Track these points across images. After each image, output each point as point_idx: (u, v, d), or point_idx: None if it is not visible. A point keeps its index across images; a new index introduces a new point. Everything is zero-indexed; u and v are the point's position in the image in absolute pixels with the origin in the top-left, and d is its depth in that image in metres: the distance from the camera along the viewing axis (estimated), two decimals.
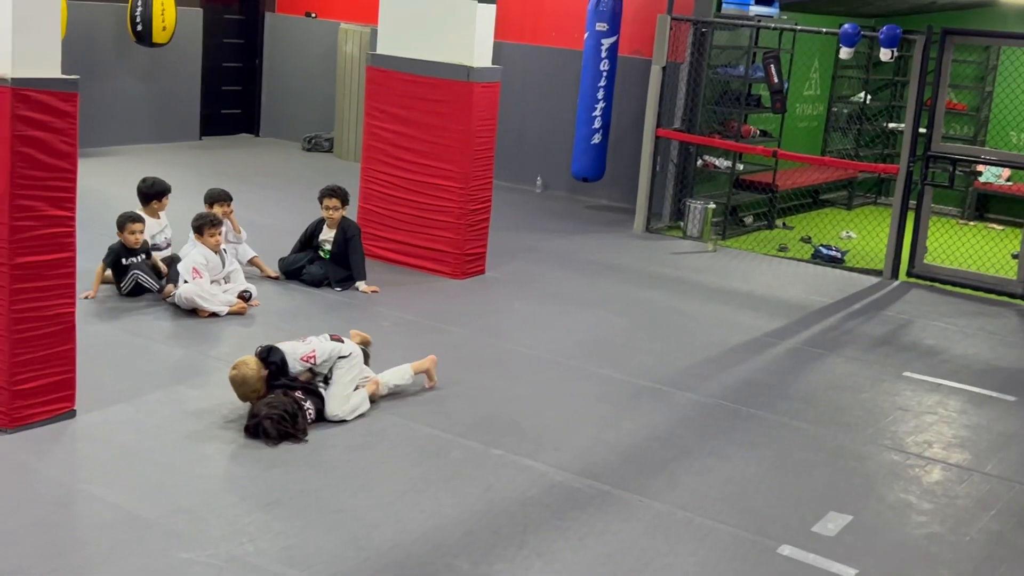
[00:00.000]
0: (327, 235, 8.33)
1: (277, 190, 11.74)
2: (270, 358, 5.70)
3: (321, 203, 8.31)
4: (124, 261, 7.51)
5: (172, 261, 7.72)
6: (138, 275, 7.48)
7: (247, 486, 5.03)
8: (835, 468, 5.84)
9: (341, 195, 8.28)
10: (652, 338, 7.86)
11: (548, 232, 10.98)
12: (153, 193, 8.09)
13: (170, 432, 5.52)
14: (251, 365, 5.67)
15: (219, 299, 7.43)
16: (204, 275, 7.42)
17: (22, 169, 5.07)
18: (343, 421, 5.78)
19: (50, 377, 5.41)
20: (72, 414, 5.54)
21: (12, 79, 4.99)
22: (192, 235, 7.66)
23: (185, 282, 7.39)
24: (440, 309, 8.03)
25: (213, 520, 4.66)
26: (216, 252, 7.60)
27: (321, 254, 8.35)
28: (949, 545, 5.09)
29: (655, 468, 5.61)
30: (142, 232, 7.57)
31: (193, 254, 7.51)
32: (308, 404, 5.68)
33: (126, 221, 7.55)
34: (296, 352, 5.77)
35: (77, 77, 5.25)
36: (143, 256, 7.62)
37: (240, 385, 5.66)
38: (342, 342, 5.97)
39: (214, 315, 7.35)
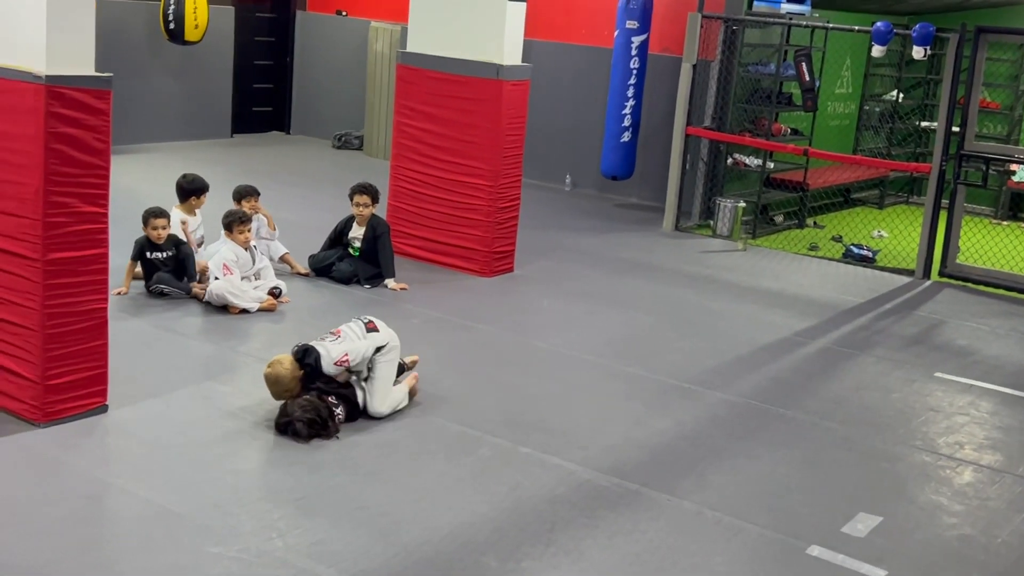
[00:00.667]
0: (356, 232, 8.36)
1: (307, 187, 11.78)
2: (305, 359, 5.67)
3: (351, 200, 8.34)
4: (148, 255, 7.55)
5: (185, 258, 7.69)
6: (161, 288, 7.49)
7: (277, 482, 5.05)
8: (865, 469, 5.81)
9: (371, 192, 8.30)
10: (681, 337, 7.84)
11: (577, 230, 10.97)
12: (192, 189, 8.14)
13: (201, 427, 5.56)
14: (286, 365, 5.66)
15: (249, 295, 7.47)
16: (234, 271, 7.47)
17: (56, 166, 5.12)
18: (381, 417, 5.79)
19: (82, 372, 5.45)
20: (104, 409, 5.59)
21: (47, 76, 5.04)
22: (223, 232, 7.71)
23: (216, 279, 7.44)
24: (469, 307, 8.04)
25: (243, 515, 4.69)
26: (246, 248, 7.64)
27: (351, 251, 8.38)
28: (980, 547, 5.05)
29: (684, 467, 5.59)
30: (165, 228, 7.58)
31: (224, 251, 7.56)
32: (340, 411, 5.67)
33: (150, 216, 7.59)
34: (331, 355, 5.70)
35: (111, 75, 5.30)
36: (168, 253, 7.61)
37: (274, 384, 5.67)
38: (377, 331, 5.91)
39: (244, 311, 7.39)
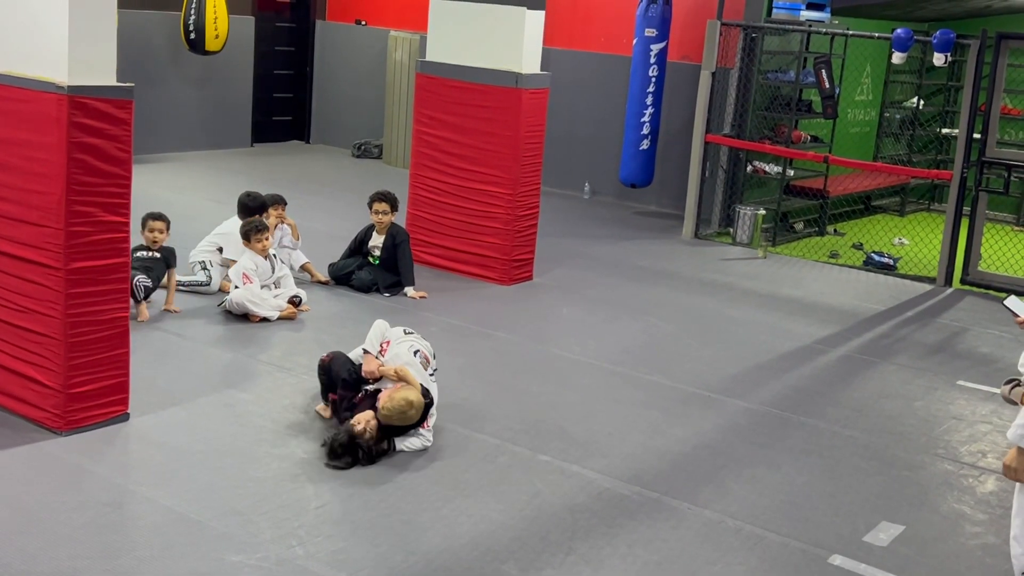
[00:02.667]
0: (376, 241, 8.38)
1: (327, 196, 11.82)
2: (427, 397, 5.59)
3: (371, 208, 8.36)
4: (136, 253, 7.37)
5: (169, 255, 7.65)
6: (137, 279, 7.25)
7: (297, 489, 5.06)
8: (888, 477, 5.77)
9: (391, 200, 8.32)
10: (701, 345, 7.81)
11: (596, 238, 10.96)
12: (256, 207, 8.16)
13: (221, 435, 5.58)
14: (416, 394, 5.49)
15: (269, 303, 7.50)
16: (254, 280, 7.50)
17: (78, 175, 5.15)
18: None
19: (104, 381, 5.48)
20: (125, 417, 5.62)
21: (69, 87, 5.07)
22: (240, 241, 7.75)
23: (236, 287, 7.48)
24: (488, 315, 8.04)
25: (263, 523, 4.70)
26: (265, 257, 7.67)
27: (370, 260, 8.40)
28: (1004, 556, 4.99)
29: (704, 476, 5.57)
30: (163, 233, 7.56)
31: (243, 260, 7.59)
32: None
33: (148, 219, 7.60)
34: (433, 390, 5.75)
35: (132, 85, 5.33)
36: (155, 256, 7.56)
37: (405, 410, 5.40)
38: (411, 334, 6.01)
39: (265, 320, 7.42)
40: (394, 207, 8.36)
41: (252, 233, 7.65)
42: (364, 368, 5.75)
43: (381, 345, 5.85)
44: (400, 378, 5.58)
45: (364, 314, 7.80)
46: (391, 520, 4.83)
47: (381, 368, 5.68)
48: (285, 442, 5.55)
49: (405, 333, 5.99)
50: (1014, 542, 4.00)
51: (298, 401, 6.11)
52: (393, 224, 8.40)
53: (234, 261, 7.79)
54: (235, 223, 8.03)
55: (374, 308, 7.97)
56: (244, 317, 7.43)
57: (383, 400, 5.44)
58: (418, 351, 5.85)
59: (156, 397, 5.93)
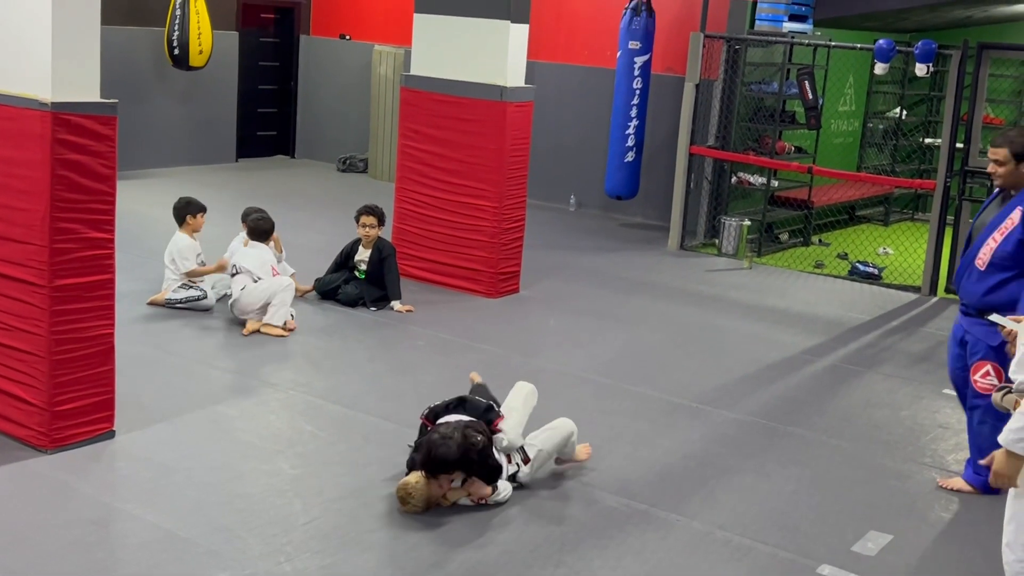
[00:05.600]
0: (362, 255, 8.37)
1: (312, 211, 11.81)
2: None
3: (357, 221, 8.35)
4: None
5: None
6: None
7: (285, 505, 5.04)
8: (875, 486, 5.78)
9: (377, 214, 8.32)
10: (688, 355, 7.82)
11: (582, 250, 10.98)
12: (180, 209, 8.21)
13: (208, 452, 5.55)
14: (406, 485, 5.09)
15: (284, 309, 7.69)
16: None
17: (62, 192, 5.13)
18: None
19: (90, 398, 5.45)
20: (111, 434, 5.59)
21: (52, 103, 5.06)
22: (245, 235, 7.91)
23: (259, 279, 7.60)
24: (474, 328, 8.04)
25: (251, 539, 4.68)
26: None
27: (357, 274, 8.39)
28: (992, 564, 5.00)
29: (692, 487, 5.57)
30: None
31: (264, 255, 7.79)
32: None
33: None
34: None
35: (116, 101, 5.32)
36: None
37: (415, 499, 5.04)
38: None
39: (255, 332, 7.47)
40: (381, 221, 8.36)
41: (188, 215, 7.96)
42: (477, 493, 5.15)
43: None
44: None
45: (350, 328, 7.79)
46: (380, 535, 4.82)
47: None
48: (272, 458, 5.53)
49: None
50: (1006, 549, 4.01)
51: (285, 416, 6.09)
52: (380, 238, 8.40)
53: (200, 271, 7.98)
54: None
55: (360, 322, 7.95)
56: (231, 331, 7.44)
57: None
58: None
59: (142, 414, 5.90)
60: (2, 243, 5.32)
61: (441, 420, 5.24)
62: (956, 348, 5.77)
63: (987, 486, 5.39)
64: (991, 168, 5.52)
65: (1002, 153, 5.42)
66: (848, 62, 13.01)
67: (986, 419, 5.53)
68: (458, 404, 5.36)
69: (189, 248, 7.91)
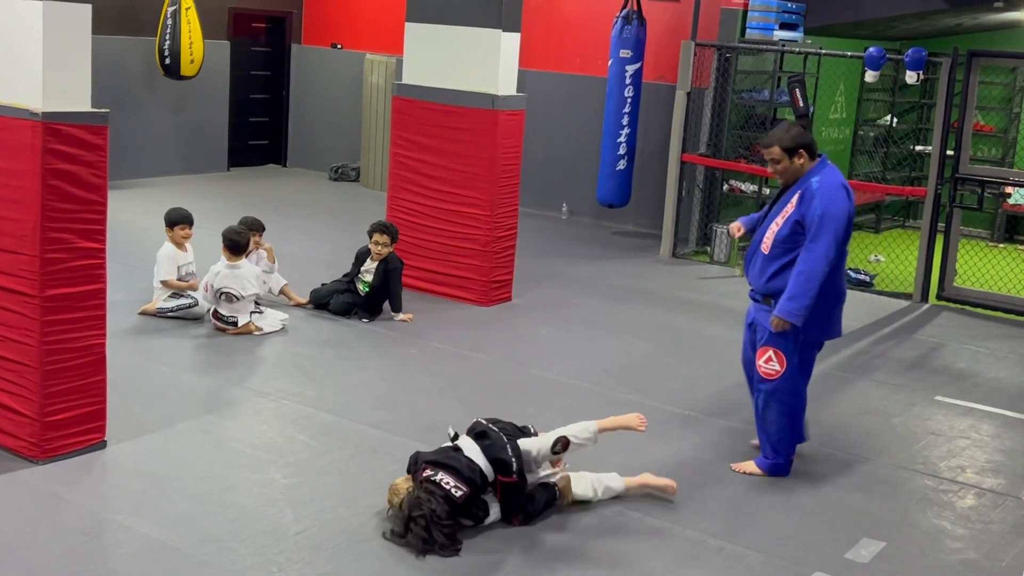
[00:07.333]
0: (369, 266, 8.32)
1: (304, 219, 11.80)
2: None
3: (370, 237, 8.30)
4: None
5: None
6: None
7: (277, 515, 5.03)
8: (868, 493, 5.78)
9: (391, 233, 8.26)
10: (680, 364, 7.83)
11: (574, 258, 10.98)
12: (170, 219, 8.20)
13: (200, 462, 5.54)
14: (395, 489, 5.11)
15: (271, 317, 7.83)
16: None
17: (53, 202, 5.12)
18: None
19: (81, 408, 5.44)
20: (102, 445, 5.57)
21: (43, 113, 5.05)
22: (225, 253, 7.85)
23: (242, 296, 7.63)
24: (466, 336, 8.03)
25: (243, 549, 4.67)
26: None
27: (360, 285, 8.34)
28: (984, 571, 5.02)
29: (685, 495, 5.57)
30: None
31: (247, 271, 7.78)
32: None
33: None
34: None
35: (107, 111, 5.31)
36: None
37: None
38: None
39: (241, 334, 7.56)
40: (393, 239, 8.30)
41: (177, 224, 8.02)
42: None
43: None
44: None
45: (342, 338, 7.78)
46: (372, 544, 4.80)
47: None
48: (264, 468, 5.52)
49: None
50: None
51: (276, 426, 6.08)
52: (391, 253, 8.36)
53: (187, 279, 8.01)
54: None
55: (354, 331, 7.94)
56: (221, 341, 7.42)
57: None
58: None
59: (133, 424, 5.89)
60: None
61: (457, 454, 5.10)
62: (747, 333, 6.03)
63: (774, 469, 5.84)
64: (770, 168, 5.78)
65: (775, 151, 5.66)
66: (839, 70, 13.05)
67: (770, 403, 5.75)
68: (479, 435, 5.21)
69: (167, 257, 7.89)
